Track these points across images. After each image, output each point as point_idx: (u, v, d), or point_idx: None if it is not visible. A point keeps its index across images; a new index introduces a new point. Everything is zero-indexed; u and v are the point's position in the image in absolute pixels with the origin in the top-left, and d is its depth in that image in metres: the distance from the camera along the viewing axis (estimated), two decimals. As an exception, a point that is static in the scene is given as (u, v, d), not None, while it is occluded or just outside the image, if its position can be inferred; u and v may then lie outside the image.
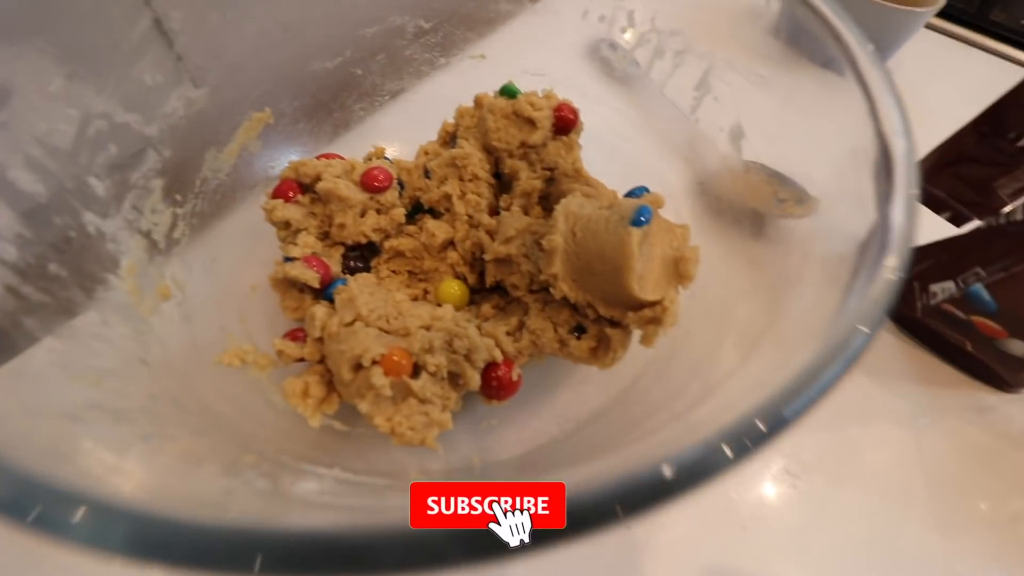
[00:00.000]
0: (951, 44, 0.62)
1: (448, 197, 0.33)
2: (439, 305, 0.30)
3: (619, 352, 0.28)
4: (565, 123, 0.33)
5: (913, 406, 0.34)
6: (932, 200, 0.37)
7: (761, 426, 0.12)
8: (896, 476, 0.31)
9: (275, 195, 0.32)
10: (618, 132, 0.35)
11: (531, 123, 0.33)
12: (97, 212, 0.25)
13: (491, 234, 0.32)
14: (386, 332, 0.27)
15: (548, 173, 0.34)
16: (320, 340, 0.27)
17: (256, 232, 0.33)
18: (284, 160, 0.34)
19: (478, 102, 0.36)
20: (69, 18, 0.25)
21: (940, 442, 0.32)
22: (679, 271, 0.27)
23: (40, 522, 0.11)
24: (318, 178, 0.32)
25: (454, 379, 0.27)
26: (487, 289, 0.33)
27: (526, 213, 0.34)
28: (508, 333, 0.30)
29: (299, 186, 0.33)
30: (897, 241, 0.15)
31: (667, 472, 0.11)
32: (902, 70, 0.57)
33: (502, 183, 0.35)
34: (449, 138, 0.37)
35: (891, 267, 0.15)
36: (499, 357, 0.27)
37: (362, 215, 0.33)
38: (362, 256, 0.34)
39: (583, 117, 0.34)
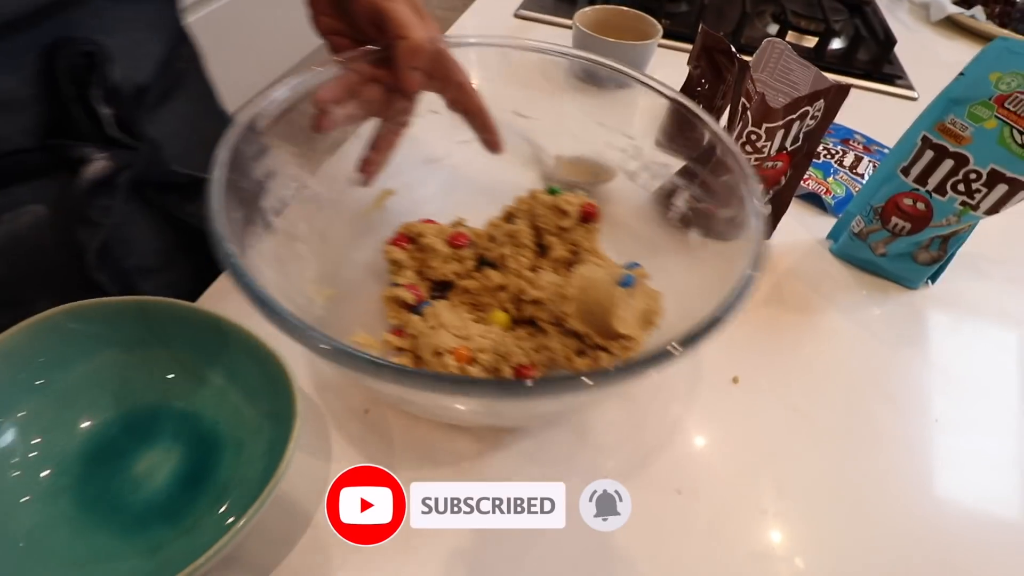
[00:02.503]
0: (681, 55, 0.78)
1: (504, 256, 0.49)
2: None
3: (605, 368, 0.42)
4: (588, 216, 0.49)
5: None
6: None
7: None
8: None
9: (392, 243, 0.49)
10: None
11: (565, 213, 0.49)
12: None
13: (530, 284, 0.48)
14: (455, 336, 0.42)
15: (573, 247, 0.50)
16: (414, 336, 0.43)
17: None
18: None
19: (532, 195, 0.52)
20: (299, 130, 0.43)
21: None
22: (648, 320, 0.41)
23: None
24: (421, 235, 0.49)
25: (496, 373, 0.42)
26: (523, 320, 0.48)
27: (555, 272, 0.49)
28: (534, 350, 0.45)
29: (407, 239, 0.49)
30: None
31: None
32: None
33: (541, 250, 0.51)
34: (509, 217, 0.53)
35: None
36: (526, 361, 0.42)
37: (446, 262, 0.49)
38: (441, 289, 0.50)
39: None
